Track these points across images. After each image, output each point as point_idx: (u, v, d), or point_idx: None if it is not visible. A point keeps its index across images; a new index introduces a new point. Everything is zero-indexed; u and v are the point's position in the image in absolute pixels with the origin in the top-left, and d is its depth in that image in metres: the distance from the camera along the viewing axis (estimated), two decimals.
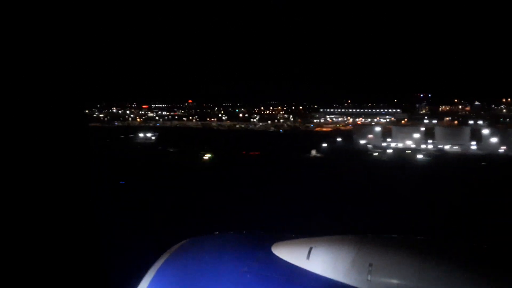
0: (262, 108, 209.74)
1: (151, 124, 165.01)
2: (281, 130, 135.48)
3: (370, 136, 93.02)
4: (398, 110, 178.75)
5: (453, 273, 3.38)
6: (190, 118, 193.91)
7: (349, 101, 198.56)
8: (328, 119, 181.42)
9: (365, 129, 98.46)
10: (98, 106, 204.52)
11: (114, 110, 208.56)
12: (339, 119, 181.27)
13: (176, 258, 4.20)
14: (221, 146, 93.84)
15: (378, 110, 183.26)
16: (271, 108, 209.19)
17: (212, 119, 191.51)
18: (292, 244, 4.11)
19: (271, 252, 4.04)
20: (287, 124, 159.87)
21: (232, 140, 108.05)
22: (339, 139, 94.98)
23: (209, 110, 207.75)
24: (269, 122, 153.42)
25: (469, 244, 3.93)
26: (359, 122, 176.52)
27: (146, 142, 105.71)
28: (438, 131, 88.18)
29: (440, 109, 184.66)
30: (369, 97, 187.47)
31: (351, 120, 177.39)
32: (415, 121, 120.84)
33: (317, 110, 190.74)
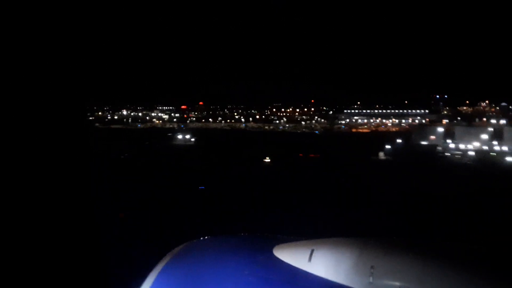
0: (274, 109, 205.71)
1: (172, 126, 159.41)
2: (317, 132, 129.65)
3: (432, 137, 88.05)
4: (426, 111, 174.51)
5: (456, 276, 3.23)
6: (210, 119, 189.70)
7: (359, 102, 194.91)
8: (353, 120, 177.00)
9: (426, 129, 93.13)
10: (105, 108, 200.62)
11: (125, 112, 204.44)
12: (365, 120, 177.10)
13: (178, 261, 4.06)
14: (273, 148, 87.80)
15: (405, 111, 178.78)
16: (282, 110, 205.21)
17: (231, 121, 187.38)
18: (293, 246, 4.02)
19: (273, 255, 3.94)
20: (314, 125, 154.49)
21: (275, 141, 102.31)
22: (398, 140, 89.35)
23: (221, 112, 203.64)
24: (303, 123, 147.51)
25: (472, 247, 3.77)
26: (387, 123, 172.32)
27: (186, 144, 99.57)
28: (509, 132, 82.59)
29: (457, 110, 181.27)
30: (377, 98, 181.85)
31: (378, 121, 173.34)
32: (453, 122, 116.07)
33: (336, 111, 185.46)
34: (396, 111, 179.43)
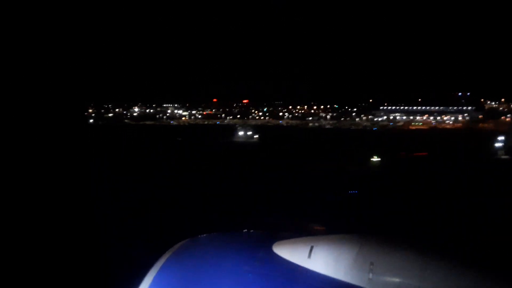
0: (290, 107, 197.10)
1: (208, 123, 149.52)
2: (375, 128, 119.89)
3: None
4: (471, 107, 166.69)
5: (455, 273, 3.21)
6: (239, 116, 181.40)
7: (371, 100, 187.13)
8: (391, 117, 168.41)
9: None
10: (110, 105, 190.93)
11: (137, 109, 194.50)
12: (404, 118, 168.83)
13: (177, 258, 4.03)
14: (357, 146, 77.26)
15: (446, 107, 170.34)
16: (298, 106, 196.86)
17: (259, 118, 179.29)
18: (293, 243, 3.97)
19: (272, 251, 3.91)
20: (361, 122, 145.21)
21: (344, 138, 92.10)
22: (501, 137, 79.69)
23: (236, 110, 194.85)
24: (358, 119, 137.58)
25: (472, 244, 3.77)
26: (430, 121, 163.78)
27: (248, 141, 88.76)
28: None
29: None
30: (387, 96, 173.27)
31: (419, 118, 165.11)
32: None
33: (372, 108, 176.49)
34: (437, 107, 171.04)
